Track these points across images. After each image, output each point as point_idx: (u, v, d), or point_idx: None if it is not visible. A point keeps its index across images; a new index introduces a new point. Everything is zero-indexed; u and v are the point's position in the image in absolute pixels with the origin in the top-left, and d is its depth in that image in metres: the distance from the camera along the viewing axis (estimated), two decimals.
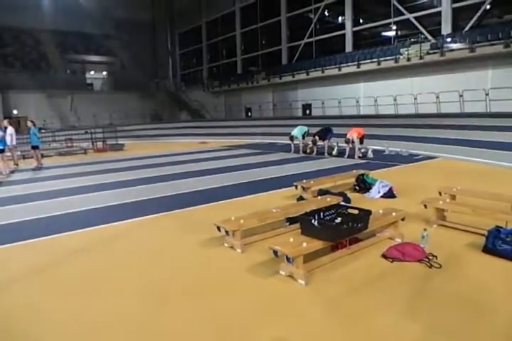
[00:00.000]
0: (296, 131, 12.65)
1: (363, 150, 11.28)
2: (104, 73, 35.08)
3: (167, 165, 10.91)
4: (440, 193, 5.26)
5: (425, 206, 4.65)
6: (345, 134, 11.31)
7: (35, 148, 12.21)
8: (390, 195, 6.01)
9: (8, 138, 10.84)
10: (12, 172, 10.87)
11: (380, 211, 4.19)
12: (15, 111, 26.64)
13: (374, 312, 2.78)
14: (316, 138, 12.06)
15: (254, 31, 28.90)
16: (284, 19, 25.93)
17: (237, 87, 27.88)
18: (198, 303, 3.01)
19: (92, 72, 34.72)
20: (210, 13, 32.60)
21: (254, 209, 4.70)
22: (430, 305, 2.85)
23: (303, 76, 22.24)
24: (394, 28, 20.17)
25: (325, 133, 12.17)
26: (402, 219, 4.20)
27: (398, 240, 4.09)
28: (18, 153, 13.01)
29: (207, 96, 31.60)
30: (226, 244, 4.18)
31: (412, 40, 17.99)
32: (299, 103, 23.53)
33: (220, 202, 6.28)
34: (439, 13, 17.58)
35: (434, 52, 16.16)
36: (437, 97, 16.40)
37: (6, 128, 11.48)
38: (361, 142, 11.19)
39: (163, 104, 33.55)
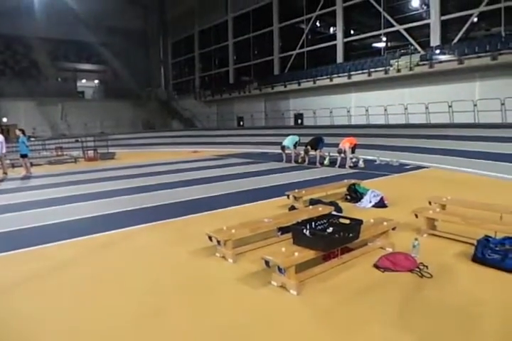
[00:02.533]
0: (288, 141, 12.70)
1: (354, 160, 11.37)
2: (96, 81, 35.02)
3: (158, 175, 10.85)
4: (430, 203, 5.31)
5: (416, 215, 4.68)
6: (338, 144, 11.40)
7: (24, 156, 12.10)
8: (381, 204, 6.04)
9: None
10: (0, 180, 10.70)
11: (372, 220, 4.21)
12: (4, 119, 26.38)
13: (366, 322, 2.77)
14: (308, 147, 12.11)
15: (247, 41, 29.21)
16: (276, 29, 26.27)
17: (229, 97, 28.03)
18: (189, 314, 2.97)
19: (84, 81, 34.63)
20: (203, 23, 32.88)
21: (245, 219, 4.69)
22: (422, 315, 2.86)
23: (295, 86, 22.47)
24: (384, 39, 20.57)
25: (316, 142, 12.20)
26: (393, 229, 4.23)
27: (389, 249, 4.10)
28: (7, 161, 12.83)
29: (199, 105, 31.68)
30: (218, 254, 4.15)
31: (402, 51, 18.35)
32: (291, 112, 23.71)
33: (212, 211, 6.24)
34: (428, 25, 17.99)
35: (424, 64, 16.47)
36: (427, 108, 16.67)
37: None
38: (353, 151, 11.25)
39: (155, 112, 33.53)
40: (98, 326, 2.85)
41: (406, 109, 17.52)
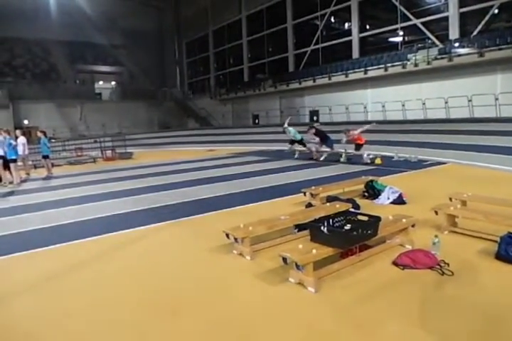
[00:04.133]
0: (294, 132, 12.84)
1: (368, 155, 11.27)
2: (113, 83, 35.59)
3: (175, 173, 10.97)
4: (451, 199, 5.20)
5: (436, 212, 4.59)
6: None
7: (45, 157, 12.42)
8: (399, 201, 5.95)
9: (20, 148, 11.00)
10: (24, 181, 11.01)
11: (390, 217, 4.15)
12: (26, 122, 27.10)
13: (385, 320, 2.74)
14: (317, 139, 12.19)
15: (261, 39, 29.18)
16: (291, 26, 26.14)
17: (244, 95, 28.07)
18: (207, 311, 3.00)
19: (101, 82, 35.25)
20: (217, 22, 33.01)
21: (262, 216, 4.69)
22: (443, 313, 2.80)
23: (310, 83, 22.33)
24: (401, 33, 20.21)
25: (325, 138, 12.24)
26: (413, 226, 4.15)
27: (408, 247, 4.04)
28: (30, 162, 13.19)
29: (214, 104, 31.84)
30: (235, 251, 4.17)
31: (420, 45, 17.99)
32: (306, 109, 23.58)
33: (228, 209, 6.27)
34: (446, 18, 17.59)
35: (442, 58, 16.12)
36: (446, 102, 16.30)
37: (17, 138, 11.68)
38: (358, 149, 11.26)
39: (171, 112, 33.87)
40: (117, 321, 2.91)
41: (424, 104, 17.17)
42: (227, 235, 4.17)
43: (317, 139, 12.28)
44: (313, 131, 12.26)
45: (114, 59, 35.30)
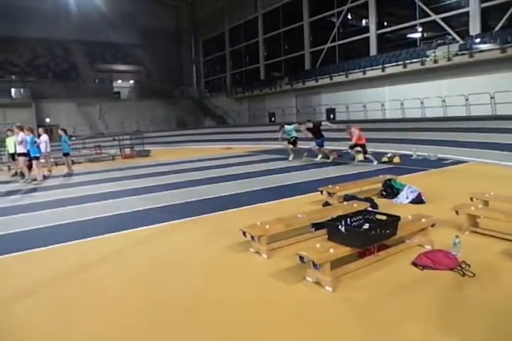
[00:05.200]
0: (290, 129, 12.40)
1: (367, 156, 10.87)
2: (131, 81, 36.10)
3: (192, 171, 11.07)
4: (472, 199, 5.09)
5: (457, 212, 4.51)
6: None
7: (66, 155, 12.72)
8: (418, 200, 5.86)
9: (42, 146, 11.28)
10: (46, 178, 11.30)
11: (409, 217, 4.10)
12: (47, 120, 27.79)
13: (404, 321, 2.71)
14: (309, 135, 11.85)
15: (277, 37, 29.08)
16: (307, 24, 25.96)
17: (260, 93, 28.04)
18: (223, 309, 3.03)
19: (119, 81, 35.79)
20: (233, 20, 33.05)
21: (279, 215, 4.70)
22: (463, 315, 2.75)
23: (326, 81, 22.14)
24: (420, 29, 19.81)
25: (318, 136, 11.71)
26: (432, 226, 4.09)
27: (428, 247, 3.98)
28: (51, 159, 13.53)
29: (230, 102, 31.93)
30: (252, 249, 4.19)
31: (439, 41, 17.61)
32: (323, 107, 23.39)
33: (245, 207, 6.30)
34: (466, 14, 17.14)
35: (463, 54, 15.74)
36: (467, 100, 15.92)
37: (39, 135, 11.99)
38: (352, 148, 10.87)
39: (188, 110, 34.15)
40: (132, 316, 2.97)
41: (444, 101, 16.81)
42: (244, 233, 4.18)
43: (309, 135, 11.89)
44: (310, 125, 11.75)
45: (132, 58, 35.80)
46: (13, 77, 29.77)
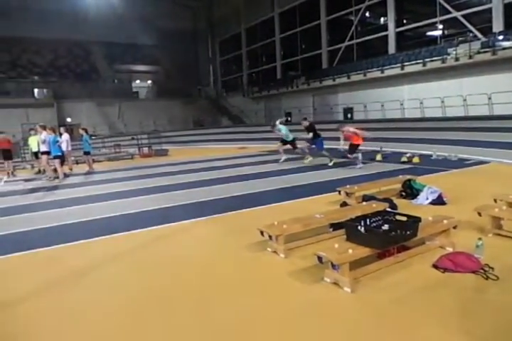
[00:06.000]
0: (286, 131, 11.69)
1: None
2: (149, 82, 36.59)
3: (208, 170, 11.14)
4: (495, 200, 4.96)
5: (479, 214, 4.40)
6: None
7: (87, 153, 13.00)
8: (439, 201, 5.73)
9: (64, 145, 11.53)
10: (67, 176, 11.57)
11: (430, 218, 4.02)
12: (69, 119, 28.45)
13: (424, 324, 2.66)
14: (311, 134, 10.91)
15: (294, 36, 28.99)
16: (324, 22, 25.78)
17: (276, 92, 28.01)
18: (241, 308, 3.04)
19: (138, 81, 36.33)
20: (249, 20, 33.10)
21: (295, 215, 4.68)
22: (485, 319, 2.69)
23: (344, 79, 21.94)
24: (440, 27, 19.42)
25: (315, 136, 10.97)
26: (454, 227, 4.00)
27: (449, 249, 3.90)
28: (72, 158, 13.85)
29: (247, 101, 32.00)
30: (269, 249, 4.19)
31: (461, 39, 17.22)
32: (340, 107, 23.20)
33: (261, 207, 6.30)
34: (489, 10, 16.71)
35: (485, 51, 15.35)
36: (489, 98, 15.52)
37: (61, 134, 12.28)
38: (351, 151, 9.90)
39: (205, 110, 34.40)
40: (151, 311, 3.01)
41: (465, 100, 16.44)
42: (262, 232, 4.19)
43: (310, 134, 10.98)
44: (306, 123, 11.11)
45: (150, 58, 36.28)
46: (36, 77, 30.58)
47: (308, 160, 11.26)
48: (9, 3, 31.50)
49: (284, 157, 11.96)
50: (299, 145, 11.73)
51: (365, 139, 9.96)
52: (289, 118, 13.53)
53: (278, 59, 30.91)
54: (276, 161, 12.08)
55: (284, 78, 29.63)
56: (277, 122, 12.07)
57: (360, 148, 10.16)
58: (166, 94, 32.80)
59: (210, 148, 19.83)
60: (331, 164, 10.68)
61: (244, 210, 6.11)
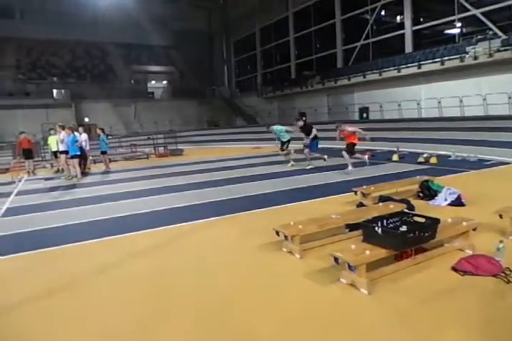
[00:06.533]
0: (280, 130, 11.12)
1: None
2: (164, 82, 36.97)
3: (223, 170, 11.20)
4: None
5: (500, 216, 4.29)
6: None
7: (104, 153, 13.21)
8: (458, 203, 5.62)
9: (82, 144, 11.71)
10: (85, 175, 11.78)
11: (449, 220, 3.95)
12: (86, 119, 28.98)
13: (443, 327, 2.62)
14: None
15: (308, 35, 28.86)
16: (339, 21, 25.58)
17: (290, 92, 27.93)
18: (257, 308, 3.04)
19: (153, 82, 36.75)
20: (264, 20, 33.10)
21: (311, 215, 4.66)
22: (505, 323, 2.63)
23: (359, 79, 21.72)
24: (458, 25, 19.03)
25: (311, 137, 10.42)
26: (474, 229, 3.92)
27: (469, 252, 3.82)
28: (90, 157, 14.09)
29: (261, 101, 32.00)
30: (284, 249, 4.18)
31: (480, 37, 16.84)
32: (356, 106, 22.98)
33: (276, 207, 6.29)
34: (509, 7, 16.30)
35: (506, 49, 14.97)
36: (510, 98, 15.14)
37: (80, 134, 12.50)
38: (349, 149, 9.37)
39: (219, 110, 34.55)
40: (167, 311, 3.05)
41: (485, 99, 16.07)
42: (277, 232, 4.18)
43: (312, 133, 10.44)
44: (300, 123, 10.58)
45: (165, 59, 36.67)
46: (55, 79, 31.25)
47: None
48: (29, 6, 32.34)
49: (292, 161, 11.40)
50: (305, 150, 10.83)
51: (360, 139, 9.48)
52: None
53: (292, 58, 30.82)
54: (293, 161, 11.62)
55: (298, 78, 29.51)
56: (273, 126, 11.65)
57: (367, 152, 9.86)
58: (181, 95, 33.09)
59: (225, 148, 19.91)
60: (308, 167, 10.38)
61: (258, 210, 6.10)
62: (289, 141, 11.20)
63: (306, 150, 10.58)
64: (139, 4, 31.46)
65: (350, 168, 9.22)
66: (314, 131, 10.43)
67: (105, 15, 32.75)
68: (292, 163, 11.21)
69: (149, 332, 2.76)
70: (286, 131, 11.27)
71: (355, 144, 9.35)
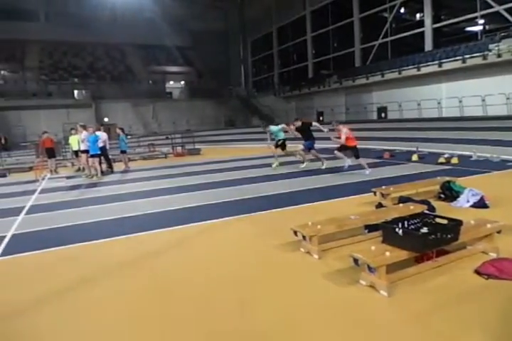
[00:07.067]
0: (276, 130, 10.93)
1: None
2: (182, 82, 37.32)
3: (241, 169, 11.24)
4: None
5: None
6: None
7: (123, 152, 13.42)
8: (481, 204, 5.48)
9: (101, 144, 11.90)
10: (104, 174, 11.99)
11: (472, 222, 3.86)
12: (106, 119, 29.55)
13: (465, 331, 2.56)
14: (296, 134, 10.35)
15: (326, 34, 28.66)
16: (357, 20, 25.31)
17: (308, 91, 27.78)
18: (275, 307, 3.03)
19: (171, 82, 37.15)
20: (281, 19, 33.04)
21: (328, 215, 4.64)
22: None
23: (378, 78, 21.45)
24: (481, 22, 18.55)
25: (307, 137, 10.29)
26: (498, 232, 3.82)
27: (493, 255, 3.72)
28: (109, 156, 14.34)
29: (278, 101, 31.94)
30: (302, 249, 4.16)
31: (503, 34, 16.38)
32: (374, 106, 22.70)
33: (294, 206, 6.27)
34: None
35: None
36: None
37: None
38: (341, 149, 9.26)
39: (236, 110, 34.68)
40: (187, 313, 3.08)
41: (508, 98, 15.62)
42: (295, 232, 4.17)
43: (298, 136, 10.44)
44: (298, 123, 10.37)
45: (183, 60, 37.03)
46: (76, 79, 32.00)
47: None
48: (52, 9, 33.21)
49: (277, 162, 11.22)
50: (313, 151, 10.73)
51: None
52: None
53: (310, 58, 30.65)
54: (310, 161, 11.35)
55: (315, 77, 29.34)
56: (271, 126, 11.50)
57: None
58: (199, 95, 33.36)
59: (241, 148, 19.96)
60: (302, 166, 10.38)
61: (275, 210, 6.10)
62: (284, 140, 11.03)
63: (313, 151, 10.53)
64: (157, 6, 31.87)
65: (347, 164, 9.23)
66: (316, 124, 10.48)
67: (124, 17, 33.31)
68: (306, 163, 10.92)
69: (172, 327, 2.80)
70: (282, 130, 11.08)
71: (348, 147, 9.05)
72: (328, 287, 3.34)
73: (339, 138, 9.05)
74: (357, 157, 9.13)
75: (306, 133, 10.35)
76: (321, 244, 4.10)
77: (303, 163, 10.75)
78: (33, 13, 33.49)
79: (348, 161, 9.29)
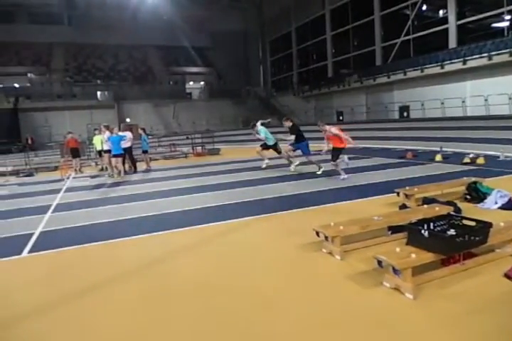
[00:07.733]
0: (265, 133, 10.58)
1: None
2: (202, 83, 37.67)
3: (258, 170, 11.22)
4: None
5: None
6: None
7: (145, 152, 13.65)
8: (510, 206, 5.30)
9: (128, 144, 12.09)
10: (127, 173, 12.22)
11: (502, 224, 3.75)
12: (128, 120, 30.14)
13: (494, 337, 2.49)
14: (292, 137, 9.80)
15: (345, 33, 28.33)
16: (378, 18, 24.90)
17: (327, 91, 27.55)
18: (299, 308, 3.02)
19: (191, 83, 37.55)
20: (300, 19, 32.88)
21: (350, 216, 4.59)
22: None
23: (400, 76, 21.06)
24: (507, 18, 17.94)
25: (299, 139, 9.83)
26: None
27: None
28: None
29: (297, 101, 31.80)
30: (324, 250, 4.13)
31: None
32: (396, 105, 22.29)
33: (315, 207, 6.23)
34: None
35: None
36: None
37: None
38: (335, 155, 8.55)
39: (255, 110, 34.69)
40: (211, 308, 3.10)
41: None
42: (318, 233, 4.14)
43: (291, 137, 9.85)
44: (289, 124, 9.98)
45: (202, 60, 37.35)
46: (99, 81, 32.77)
47: (295, 165, 10.21)
48: (76, 12, 34.10)
49: (266, 161, 10.79)
50: (312, 158, 10.18)
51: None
52: (270, 121, 11.88)
53: (329, 57, 30.37)
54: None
55: (335, 76, 29.06)
56: (258, 123, 10.88)
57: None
58: (218, 95, 33.60)
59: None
60: (319, 172, 9.46)
61: (296, 210, 6.07)
62: (276, 144, 10.59)
63: (310, 157, 9.97)
64: (177, 7, 32.25)
65: (343, 176, 8.49)
66: (292, 137, 9.78)
67: (145, 19, 33.87)
68: (294, 166, 10.46)
69: (199, 328, 2.82)
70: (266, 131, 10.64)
71: (341, 149, 8.43)
72: (350, 288, 3.30)
73: (329, 139, 8.48)
74: (334, 157, 8.42)
75: (296, 135, 9.79)
76: (343, 245, 4.06)
77: (290, 164, 10.22)
78: (58, 17, 34.50)
79: (345, 157, 8.68)
